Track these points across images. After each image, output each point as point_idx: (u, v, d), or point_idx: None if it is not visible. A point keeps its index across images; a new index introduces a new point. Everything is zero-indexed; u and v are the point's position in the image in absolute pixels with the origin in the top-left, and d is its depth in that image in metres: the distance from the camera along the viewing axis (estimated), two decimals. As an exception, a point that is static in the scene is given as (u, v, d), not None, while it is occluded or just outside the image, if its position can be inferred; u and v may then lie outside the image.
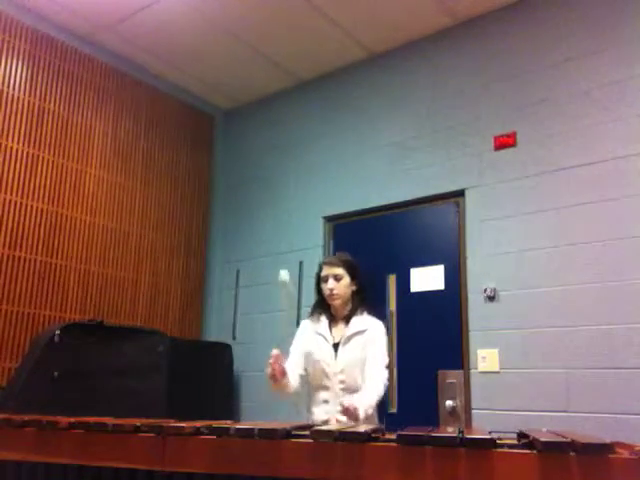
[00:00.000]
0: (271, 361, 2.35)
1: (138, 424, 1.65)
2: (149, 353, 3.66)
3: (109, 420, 1.75)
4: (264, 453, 1.44)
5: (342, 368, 2.49)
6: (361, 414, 2.22)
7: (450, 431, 1.36)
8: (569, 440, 1.20)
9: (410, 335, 3.66)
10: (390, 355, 3.65)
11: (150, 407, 3.47)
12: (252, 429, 1.48)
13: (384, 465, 1.31)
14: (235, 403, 4.35)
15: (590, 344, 3.00)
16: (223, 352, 4.34)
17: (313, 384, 2.57)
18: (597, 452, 1.17)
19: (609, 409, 2.88)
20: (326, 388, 2.50)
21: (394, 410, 3.60)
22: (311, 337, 2.60)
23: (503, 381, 3.22)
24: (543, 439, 1.21)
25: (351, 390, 2.46)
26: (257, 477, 1.45)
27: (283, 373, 2.40)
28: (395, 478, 1.29)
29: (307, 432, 1.45)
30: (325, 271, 2.60)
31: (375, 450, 1.33)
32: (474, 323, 3.39)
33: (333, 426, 1.67)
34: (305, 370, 2.59)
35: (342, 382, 2.48)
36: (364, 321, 2.57)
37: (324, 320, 2.61)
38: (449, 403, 3.39)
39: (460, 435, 1.28)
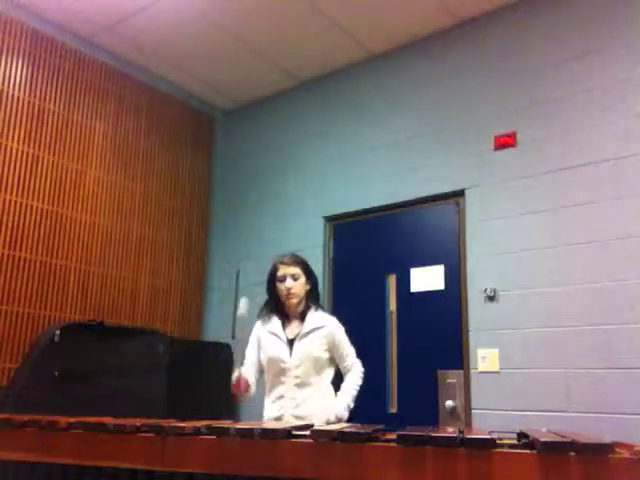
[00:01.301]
0: (234, 383, 2.48)
1: (138, 424, 1.65)
2: (149, 353, 3.66)
3: (109, 420, 1.75)
4: (264, 453, 1.44)
5: (297, 364, 2.55)
6: (345, 415, 2.45)
7: (450, 431, 1.36)
8: (569, 440, 1.20)
9: (410, 335, 3.66)
10: (391, 355, 3.70)
11: (150, 407, 3.47)
12: (252, 429, 1.48)
13: (384, 465, 1.31)
14: (235, 403, 4.35)
15: (590, 344, 3.00)
16: (223, 352, 4.34)
17: (268, 381, 2.64)
18: (597, 452, 1.18)
19: (609, 409, 2.88)
20: (281, 384, 2.57)
21: (394, 410, 3.60)
22: (264, 337, 2.67)
23: (503, 381, 3.22)
24: (543, 439, 1.21)
25: (304, 385, 2.54)
26: (257, 477, 1.45)
27: (247, 386, 2.54)
28: (395, 478, 1.29)
29: (307, 432, 1.45)
30: (282, 271, 2.66)
31: (375, 450, 1.34)
32: (474, 323, 3.39)
33: (333, 426, 1.67)
34: (260, 371, 2.69)
35: (297, 377, 2.55)
36: (320, 317, 2.66)
37: (275, 319, 2.68)
38: (449, 403, 3.39)
39: (460, 435, 1.28)
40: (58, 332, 3.23)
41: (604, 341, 2.96)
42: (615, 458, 1.17)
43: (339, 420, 2.42)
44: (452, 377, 3.43)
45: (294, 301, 2.64)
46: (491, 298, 3.35)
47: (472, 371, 3.34)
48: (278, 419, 2.50)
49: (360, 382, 2.62)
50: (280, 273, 2.66)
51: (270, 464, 1.43)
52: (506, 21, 3.66)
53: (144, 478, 1.59)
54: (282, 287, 2.64)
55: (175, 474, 1.54)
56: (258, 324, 2.75)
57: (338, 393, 2.59)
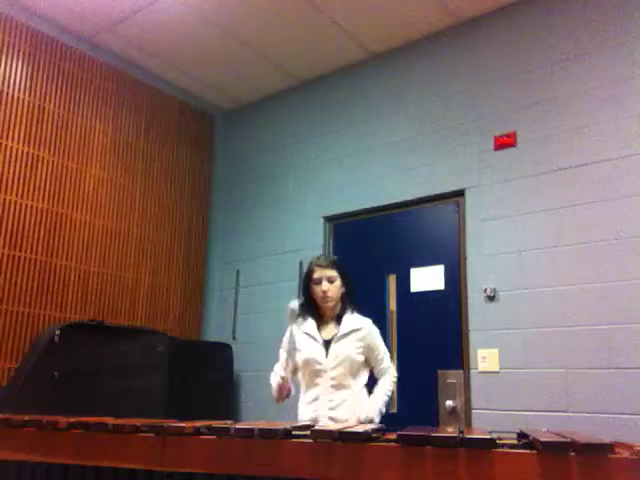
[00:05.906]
0: (277, 389, 2.52)
1: (138, 424, 1.65)
2: (149, 353, 3.66)
3: (109, 420, 1.75)
4: (264, 453, 1.44)
5: (333, 366, 2.52)
6: (377, 419, 2.45)
7: (450, 431, 1.36)
8: (569, 440, 1.20)
9: (410, 335, 3.66)
10: (391, 355, 3.69)
11: (150, 407, 3.47)
12: (252, 429, 1.48)
13: (384, 465, 1.31)
14: (235, 403, 4.35)
15: (590, 344, 3.00)
16: (223, 352, 4.34)
17: (303, 382, 2.61)
18: (597, 452, 1.17)
19: (609, 409, 2.88)
20: (316, 385, 2.54)
21: (394, 410, 3.60)
22: (299, 337, 2.63)
23: (503, 381, 3.22)
24: (543, 439, 1.21)
25: (340, 387, 2.52)
26: (257, 477, 1.45)
27: (289, 390, 2.56)
28: (395, 478, 1.29)
29: (307, 432, 1.45)
30: (318, 273, 2.62)
31: (375, 450, 1.33)
32: (474, 323, 3.39)
33: (333, 426, 1.67)
34: (294, 371, 2.64)
35: (333, 379, 2.52)
36: (357, 319, 2.64)
37: (311, 321, 2.65)
38: (449, 403, 3.39)
39: (460, 435, 1.28)
40: (58, 332, 3.23)
41: (604, 341, 2.96)
42: (615, 458, 1.17)
43: (370, 422, 2.41)
44: (452, 377, 3.43)
45: (330, 304, 2.61)
46: (491, 298, 3.35)
47: (472, 371, 3.34)
48: (313, 421, 2.44)
49: (392, 387, 2.64)
50: (316, 275, 2.61)
51: (270, 464, 1.42)
52: (506, 21, 3.65)
53: (144, 478, 1.59)
54: (318, 289, 2.60)
55: (175, 474, 1.54)
56: (293, 326, 2.70)
57: (371, 396, 2.58)
